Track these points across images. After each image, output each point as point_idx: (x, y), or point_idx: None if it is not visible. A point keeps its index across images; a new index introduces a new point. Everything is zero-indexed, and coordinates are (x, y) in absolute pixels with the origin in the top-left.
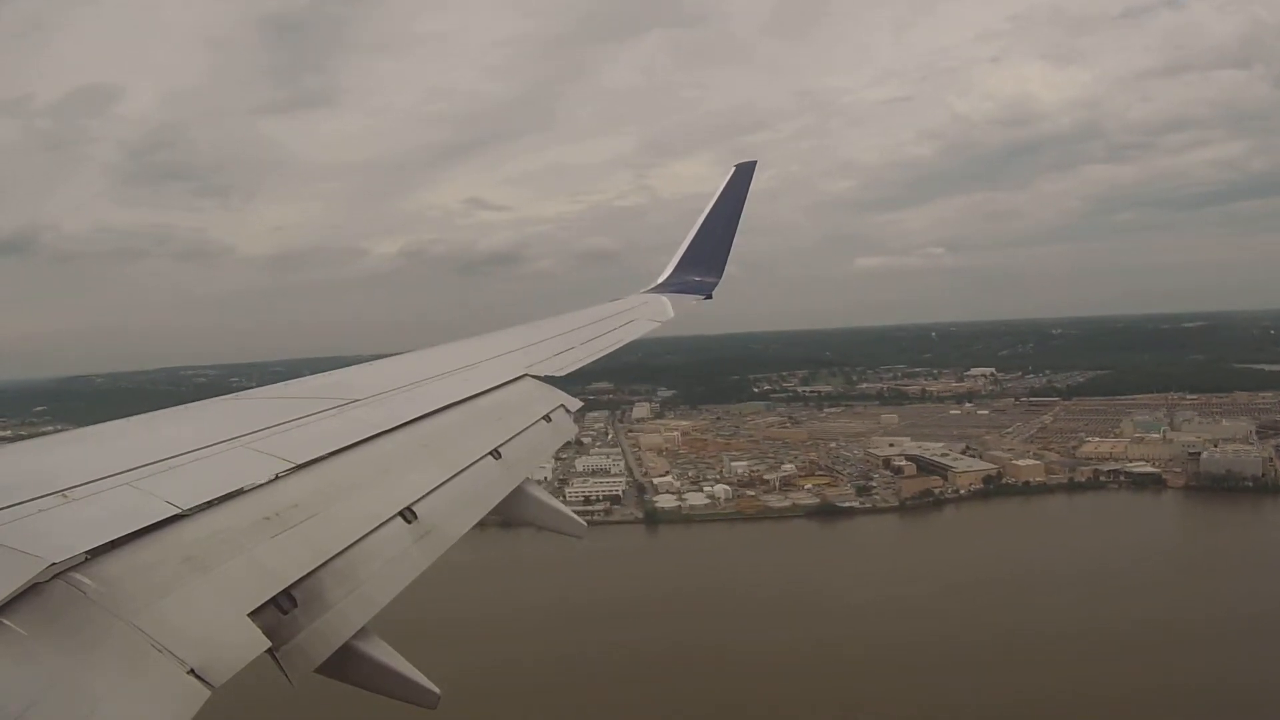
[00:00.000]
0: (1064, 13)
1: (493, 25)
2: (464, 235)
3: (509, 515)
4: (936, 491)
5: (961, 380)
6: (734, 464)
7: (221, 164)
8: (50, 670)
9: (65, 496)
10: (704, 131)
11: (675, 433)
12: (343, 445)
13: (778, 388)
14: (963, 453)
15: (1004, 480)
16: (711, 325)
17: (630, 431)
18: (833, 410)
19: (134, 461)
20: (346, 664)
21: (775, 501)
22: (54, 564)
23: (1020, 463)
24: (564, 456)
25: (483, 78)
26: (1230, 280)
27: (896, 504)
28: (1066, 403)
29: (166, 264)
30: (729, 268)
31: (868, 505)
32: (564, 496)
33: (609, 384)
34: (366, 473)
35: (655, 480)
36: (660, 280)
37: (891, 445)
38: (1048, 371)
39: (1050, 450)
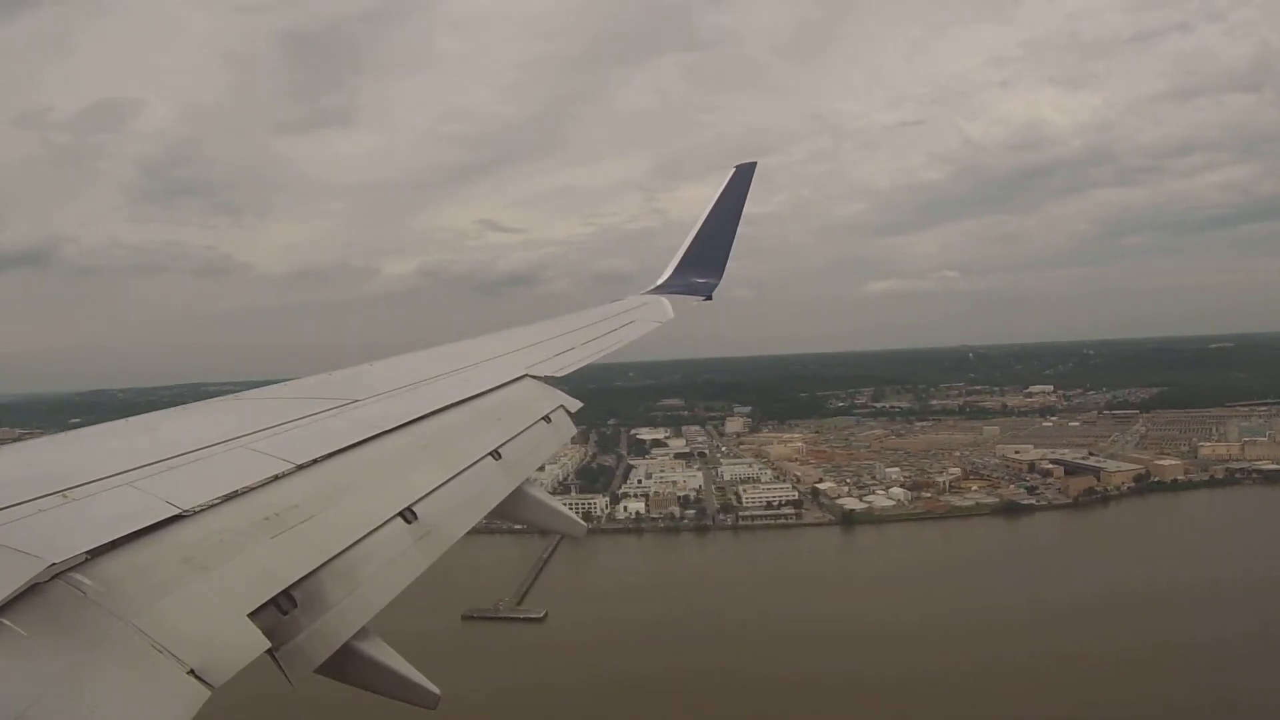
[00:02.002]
0: (1076, 37)
1: (510, 47)
2: (475, 256)
3: (509, 516)
4: (1098, 490)
5: (1031, 396)
6: (887, 470)
7: (236, 181)
8: (50, 670)
9: (65, 496)
10: (716, 155)
11: (799, 444)
12: (343, 445)
13: (850, 404)
14: (1088, 457)
15: (1152, 479)
16: (730, 347)
17: (741, 444)
18: (923, 424)
19: (134, 461)
20: (346, 664)
21: (958, 501)
22: (54, 564)
23: (1163, 463)
24: (701, 467)
25: (498, 99)
26: (1240, 302)
27: (1069, 501)
28: (1146, 415)
29: (180, 280)
30: (740, 291)
31: (1043, 503)
32: (742, 503)
33: (680, 400)
34: (366, 473)
35: (817, 487)
36: (660, 281)
37: (1017, 452)
38: (1105, 388)
39: (1167, 454)
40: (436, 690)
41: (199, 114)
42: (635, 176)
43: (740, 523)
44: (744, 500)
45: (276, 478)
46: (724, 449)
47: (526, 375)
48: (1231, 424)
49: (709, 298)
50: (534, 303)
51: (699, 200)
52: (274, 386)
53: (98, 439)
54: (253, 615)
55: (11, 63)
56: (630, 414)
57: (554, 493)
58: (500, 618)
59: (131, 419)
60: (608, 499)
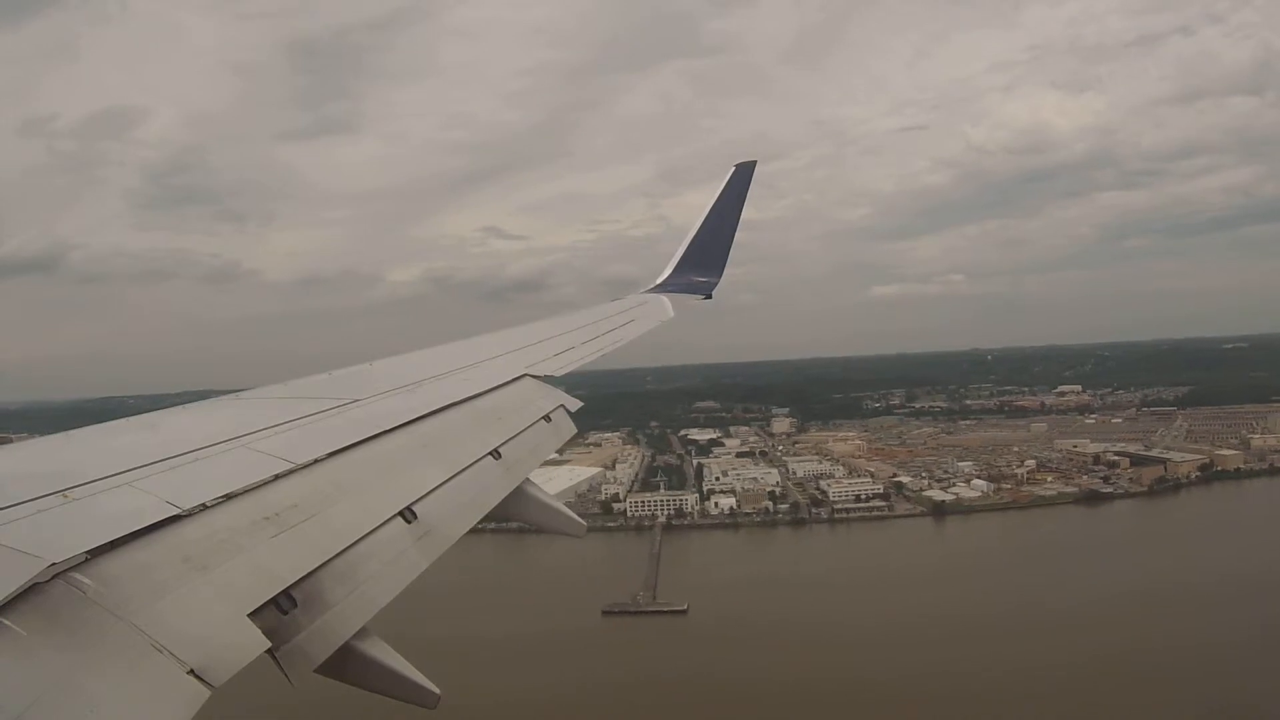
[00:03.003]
0: (1079, 42)
1: (515, 55)
2: (479, 263)
3: (509, 515)
4: (1168, 479)
5: (1063, 395)
6: (959, 464)
7: (240, 189)
8: (50, 670)
9: (65, 496)
10: (720, 161)
11: (858, 442)
12: (343, 445)
13: (885, 405)
14: (1150, 449)
15: (1215, 468)
16: (739, 352)
17: (795, 443)
18: (967, 423)
19: (134, 461)
20: (346, 664)
21: (1040, 491)
22: (54, 564)
23: (1224, 453)
24: (767, 465)
25: (502, 106)
26: (1245, 304)
27: (1144, 489)
28: (1183, 411)
29: (187, 287)
30: (746, 296)
31: (1120, 491)
32: (830, 496)
33: (715, 402)
34: (366, 473)
35: (899, 481)
36: (660, 280)
37: (1075, 446)
38: (1132, 388)
39: (1219, 446)
40: (436, 690)
41: (203, 122)
42: (639, 183)
43: (835, 516)
44: (831, 494)
45: (276, 478)
46: (780, 448)
47: (526, 375)
48: (1272, 419)
49: (709, 296)
50: (541, 309)
51: (702, 206)
52: (274, 386)
53: (97, 439)
54: (253, 615)
55: (17, 70)
56: (669, 417)
57: (636, 490)
58: (641, 612)
59: (131, 419)
60: (697, 495)
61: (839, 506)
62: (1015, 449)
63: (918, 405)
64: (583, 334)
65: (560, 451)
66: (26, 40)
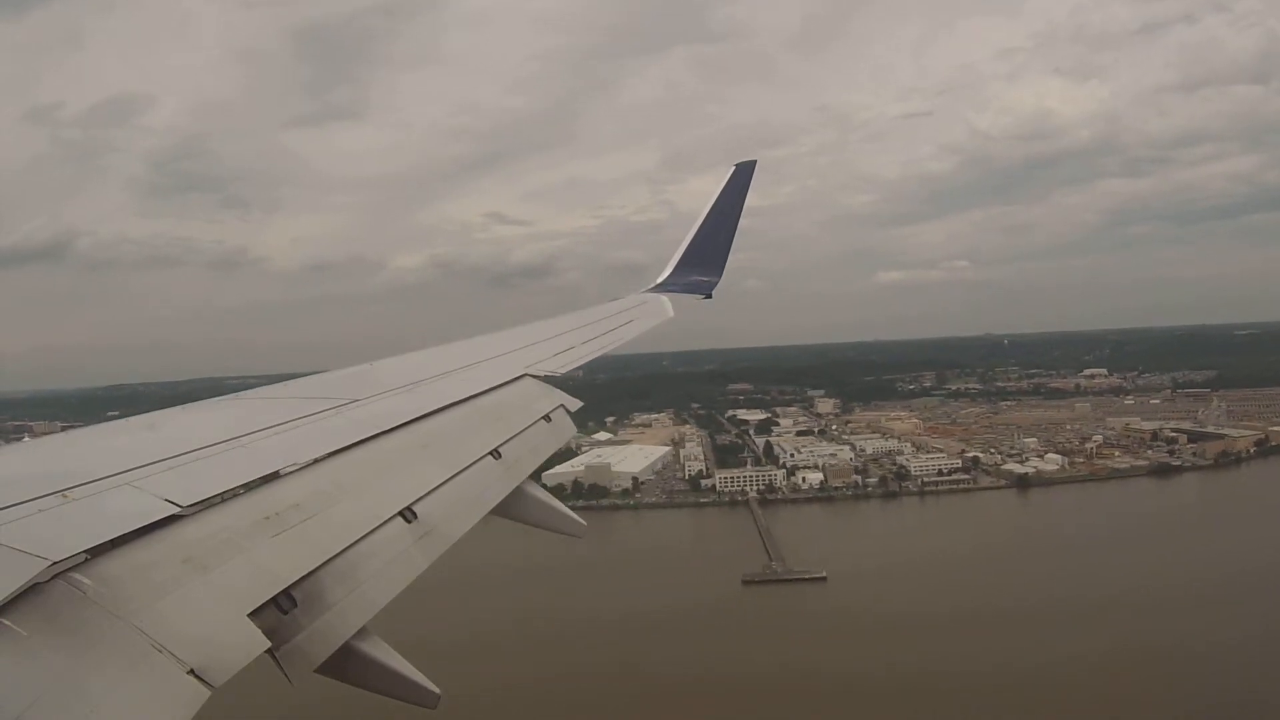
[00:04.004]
0: (1084, 29)
1: (519, 41)
2: (483, 249)
3: (509, 515)
4: (1230, 453)
5: (1092, 379)
6: (1025, 440)
7: (245, 176)
8: (50, 670)
9: (65, 496)
10: (724, 147)
11: (915, 421)
12: (343, 445)
13: (919, 387)
14: (1205, 426)
15: (1270, 443)
16: (748, 338)
17: (848, 422)
18: (1007, 404)
19: (134, 461)
20: (346, 664)
21: (1113, 464)
22: (54, 564)
23: (1277, 428)
24: (830, 442)
25: (507, 92)
26: (1251, 292)
27: (1209, 462)
28: (1216, 393)
29: (192, 274)
30: (752, 283)
31: (1188, 465)
32: (911, 471)
33: (749, 384)
34: (366, 473)
35: (977, 456)
36: (660, 280)
37: (1129, 424)
38: (1157, 371)
39: (1269, 423)
40: (436, 690)
41: (208, 109)
42: (643, 169)
43: (925, 489)
44: (913, 469)
45: (277, 477)
46: (834, 427)
47: (526, 375)
48: None
49: (709, 296)
50: (546, 295)
51: (706, 193)
52: (274, 386)
53: (97, 439)
54: (253, 615)
55: (23, 59)
56: (707, 398)
57: (712, 467)
58: (781, 580)
59: (131, 419)
60: (784, 471)
61: (929, 480)
62: (1069, 427)
63: (952, 387)
64: (582, 334)
65: (614, 431)
66: (31, 29)
